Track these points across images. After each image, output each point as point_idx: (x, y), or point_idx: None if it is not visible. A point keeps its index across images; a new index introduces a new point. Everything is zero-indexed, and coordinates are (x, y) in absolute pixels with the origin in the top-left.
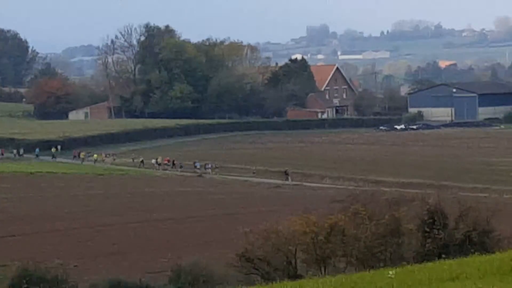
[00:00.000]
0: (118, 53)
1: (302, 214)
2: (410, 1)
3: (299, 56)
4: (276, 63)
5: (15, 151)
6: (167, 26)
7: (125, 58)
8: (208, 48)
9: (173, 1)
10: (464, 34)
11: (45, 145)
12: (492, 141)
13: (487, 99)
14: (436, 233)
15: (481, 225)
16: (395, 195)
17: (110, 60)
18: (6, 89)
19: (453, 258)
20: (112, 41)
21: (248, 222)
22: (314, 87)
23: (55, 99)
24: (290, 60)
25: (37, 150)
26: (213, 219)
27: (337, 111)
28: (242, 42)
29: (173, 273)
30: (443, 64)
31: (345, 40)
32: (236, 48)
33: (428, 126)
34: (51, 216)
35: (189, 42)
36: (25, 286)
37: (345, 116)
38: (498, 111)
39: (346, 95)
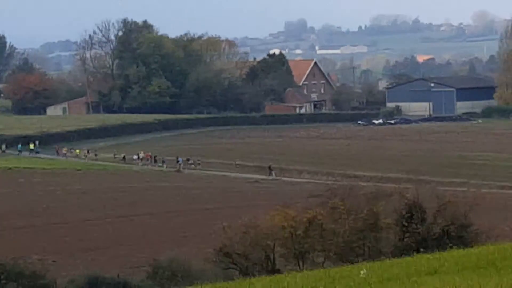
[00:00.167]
0: (96, 49)
1: (280, 208)
2: None
3: (277, 51)
4: (254, 58)
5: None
6: (145, 21)
7: (103, 53)
8: (186, 43)
9: None
10: (442, 28)
11: (23, 141)
12: (470, 135)
13: (465, 93)
14: (414, 227)
15: (459, 219)
16: (373, 190)
17: (88, 55)
18: None
19: (431, 252)
20: (90, 37)
21: (227, 217)
22: (292, 82)
23: (33, 95)
24: (268, 55)
25: (19, 146)
26: (191, 214)
27: (315, 106)
28: (220, 37)
29: (151, 268)
30: (421, 58)
31: (323, 35)
32: (214, 43)
33: (406, 121)
34: (29, 212)
35: (167, 37)
36: (3, 282)
37: (323, 111)
38: (476, 105)
39: (324, 90)
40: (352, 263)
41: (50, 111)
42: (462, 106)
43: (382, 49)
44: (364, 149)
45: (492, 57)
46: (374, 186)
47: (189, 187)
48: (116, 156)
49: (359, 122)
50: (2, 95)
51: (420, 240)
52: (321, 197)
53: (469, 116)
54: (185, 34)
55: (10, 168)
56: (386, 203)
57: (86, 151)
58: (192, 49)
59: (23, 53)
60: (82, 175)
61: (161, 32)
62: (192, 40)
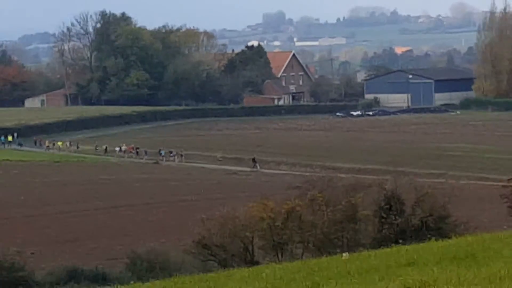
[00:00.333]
0: (74, 41)
1: (259, 200)
2: None
3: (255, 43)
4: (233, 50)
5: None
6: (123, 13)
7: (81, 46)
8: (164, 35)
9: None
10: (420, 20)
11: (1, 133)
12: (448, 127)
13: (443, 85)
14: (393, 219)
15: (438, 211)
16: (352, 181)
17: (66, 47)
18: None
19: (410, 244)
20: (68, 29)
21: (205, 209)
22: (270, 73)
23: (11, 87)
24: (247, 47)
25: (2, 138)
26: (170, 206)
27: (293, 98)
28: (198, 29)
29: (130, 260)
30: (399, 50)
31: (301, 27)
32: (192, 35)
33: (384, 112)
34: (7, 204)
35: (145, 29)
36: None
37: (302, 102)
38: (454, 97)
39: (303, 82)
40: (331, 255)
41: (28, 103)
42: (440, 98)
43: (361, 41)
44: (342, 140)
45: (470, 48)
46: (352, 177)
47: (168, 179)
48: (97, 148)
49: (337, 113)
50: None
51: (399, 232)
52: (300, 189)
53: (447, 107)
54: (163, 26)
55: None
56: (365, 194)
57: (68, 143)
58: (170, 41)
59: (1, 45)
60: (61, 167)
61: (139, 24)
62: (170, 32)
